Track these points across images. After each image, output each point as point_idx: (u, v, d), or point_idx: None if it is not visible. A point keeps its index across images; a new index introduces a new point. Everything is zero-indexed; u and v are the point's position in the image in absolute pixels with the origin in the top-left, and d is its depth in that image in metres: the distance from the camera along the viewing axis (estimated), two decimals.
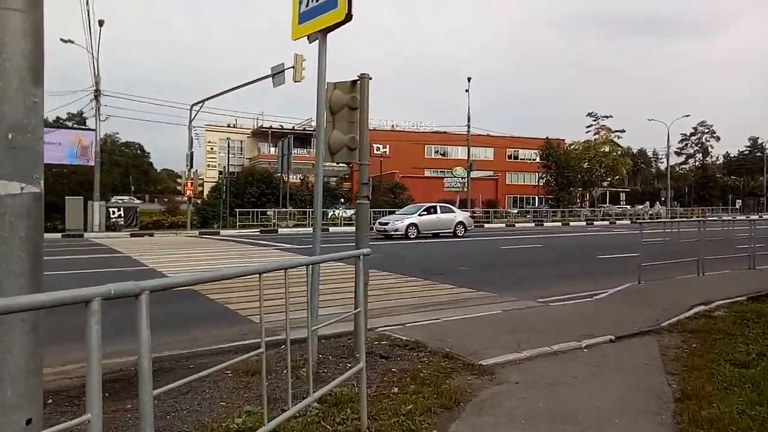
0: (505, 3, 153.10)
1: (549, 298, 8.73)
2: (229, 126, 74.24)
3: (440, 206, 24.03)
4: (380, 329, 6.34)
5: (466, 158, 42.62)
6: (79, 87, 26.56)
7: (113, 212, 34.35)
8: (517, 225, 38.81)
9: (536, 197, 61.16)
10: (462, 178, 44.15)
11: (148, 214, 33.19)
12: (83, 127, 63.06)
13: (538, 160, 57.00)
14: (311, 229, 23.70)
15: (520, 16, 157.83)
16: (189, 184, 27.97)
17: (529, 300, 8.49)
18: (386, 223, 22.85)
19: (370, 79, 5.25)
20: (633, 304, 7.87)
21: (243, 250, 17.22)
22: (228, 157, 33.90)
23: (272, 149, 69.29)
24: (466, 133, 42.27)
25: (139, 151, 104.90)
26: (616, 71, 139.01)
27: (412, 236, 22.18)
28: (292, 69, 22.14)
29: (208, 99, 27.67)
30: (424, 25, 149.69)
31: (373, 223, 23.84)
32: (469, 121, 40.12)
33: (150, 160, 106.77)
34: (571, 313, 7.31)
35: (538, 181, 56.92)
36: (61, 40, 26.68)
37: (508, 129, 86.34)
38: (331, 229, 30.14)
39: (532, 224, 40.57)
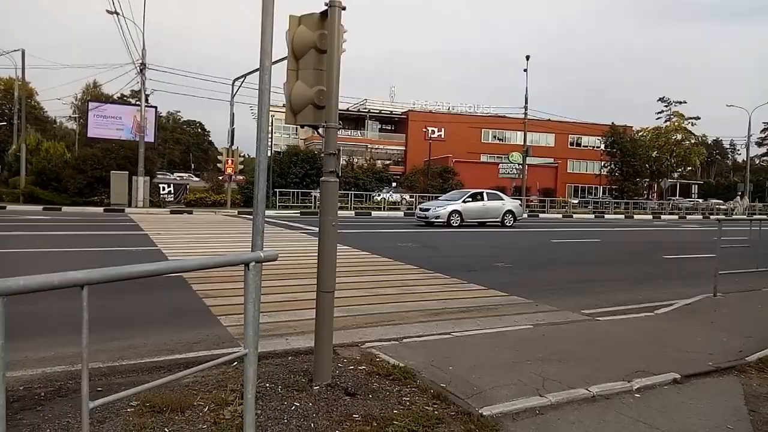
0: None
1: (597, 309, 7.07)
2: (284, 107, 74.24)
3: (487, 193, 22.20)
4: (368, 345, 4.97)
5: (523, 143, 40.19)
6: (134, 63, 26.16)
7: (163, 188, 34.57)
8: (575, 216, 36.29)
9: (599, 187, 57.67)
10: (518, 164, 41.76)
11: (196, 191, 33.06)
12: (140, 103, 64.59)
13: (602, 147, 53.47)
14: (353, 212, 22.53)
15: (587, 1, 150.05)
16: (229, 161, 27.33)
17: (571, 311, 6.87)
18: (427, 210, 21.28)
19: (344, 8, 3.81)
20: (707, 326, 6.13)
21: (268, 233, 16.18)
22: (271, 134, 33.08)
23: None
24: (524, 117, 39.79)
25: (200, 130, 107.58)
26: (691, 56, 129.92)
27: (454, 224, 20.54)
28: None
29: (249, 73, 26.81)
30: (488, 11, 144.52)
31: (415, 209, 22.45)
32: (526, 102, 37.68)
33: (210, 139, 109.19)
34: (623, 335, 5.67)
35: (600, 170, 53.47)
36: (107, 11, 26.41)
37: (572, 115, 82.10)
38: (374, 213, 28.89)
39: (592, 216, 37.89)
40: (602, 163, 52.96)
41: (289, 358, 4.55)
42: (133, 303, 6.58)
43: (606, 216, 37.84)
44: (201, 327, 5.48)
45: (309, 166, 32.06)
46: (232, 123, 28.53)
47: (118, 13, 26.98)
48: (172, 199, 32.89)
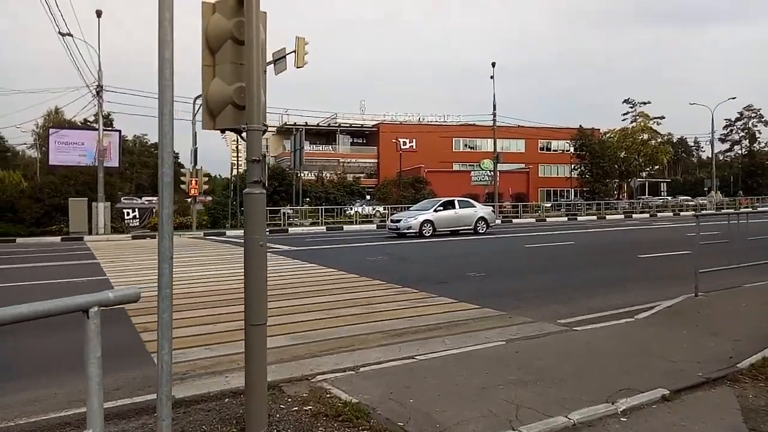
0: None
1: (574, 317, 6.59)
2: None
3: (459, 201, 21.76)
4: (320, 378, 4.36)
5: (493, 150, 40.09)
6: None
7: (128, 213, 33.41)
8: (548, 220, 36.19)
9: (570, 190, 58.03)
10: (489, 171, 41.65)
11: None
12: (106, 128, 63.01)
13: (571, 150, 53.85)
14: (324, 228, 21.80)
15: (549, 7, 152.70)
16: (193, 182, 26.45)
17: (547, 321, 6.38)
18: (398, 221, 20.73)
19: None
20: (691, 329, 5.68)
21: (228, 255, 15.45)
22: (237, 152, 32.29)
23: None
24: (492, 124, 39.71)
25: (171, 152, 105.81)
26: (651, 58, 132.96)
27: (427, 234, 20.05)
28: (293, 54, 20.29)
29: None
30: (450, 22, 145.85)
31: (387, 221, 21.94)
32: (494, 109, 37.60)
33: (180, 161, 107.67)
34: (604, 345, 5.18)
35: (571, 173, 53.81)
36: (59, 33, 25.46)
37: (541, 121, 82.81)
38: (346, 227, 28.26)
39: (565, 219, 37.86)
40: (572, 165, 53.33)
41: (226, 400, 3.92)
42: (56, 342, 5.85)
43: (579, 218, 37.86)
44: (129, 368, 4.80)
45: (277, 183, 31.30)
46: (194, 143, 27.70)
47: (71, 35, 26.05)
48: (138, 223, 31.80)
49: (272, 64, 21.91)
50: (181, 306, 7.10)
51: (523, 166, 62.11)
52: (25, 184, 33.99)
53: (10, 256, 16.53)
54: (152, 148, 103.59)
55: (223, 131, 3.50)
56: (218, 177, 77.00)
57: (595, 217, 38.25)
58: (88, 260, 14.03)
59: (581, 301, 7.64)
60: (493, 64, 35.79)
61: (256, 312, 3.31)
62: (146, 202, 56.25)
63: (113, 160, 37.53)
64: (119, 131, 48.55)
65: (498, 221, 28.77)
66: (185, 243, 20.73)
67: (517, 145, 69.54)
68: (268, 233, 20.24)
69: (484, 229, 21.46)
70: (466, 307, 7.21)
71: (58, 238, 24.88)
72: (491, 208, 24.74)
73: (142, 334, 5.95)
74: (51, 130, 36.40)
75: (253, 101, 3.25)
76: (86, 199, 27.60)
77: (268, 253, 12.54)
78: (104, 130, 47.50)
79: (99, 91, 27.29)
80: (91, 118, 79.39)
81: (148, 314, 6.87)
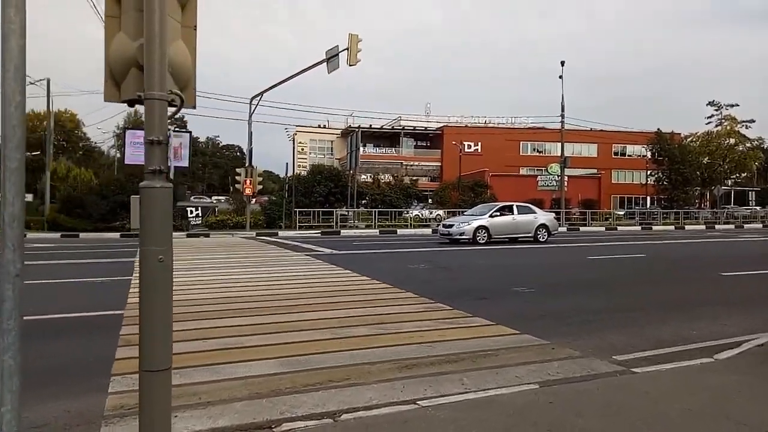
0: None
1: (635, 353, 5.30)
2: (320, 126, 74.15)
3: (518, 206, 20.26)
4: (286, 429, 3.41)
5: (561, 153, 37.91)
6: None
7: (191, 211, 34.11)
8: (619, 228, 33.72)
9: (646, 197, 54.38)
10: (557, 175, 39.48)
11: (224, 213, 32.33)
12: (180, 129, 65.62)
13: (648, 155, 50.38)
14: (377, 231, 20.96)
15: (626, 6, 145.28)
16: (247, 182, 26.35)
17: (599, 356, 5.14)
18: (450, 226, 19.51)
19: None
20: None
21: (272, 256, 14.85)
22: (293, 153, 32.16)
23: (361, 149, 67.93)
24: (561, 127, 37.53)
25: (238, 153, 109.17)
26: (738, 58, 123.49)
27: (481, 241, 18.72)
28: (346, 51, 19.60)
29: (266, 90, 25.90)
30: (524, 28, 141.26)
31: (439, 226, 20.82)
32: (563, 110, 35.46)
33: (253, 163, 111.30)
34: (672, 401, 3.93)
35: (647, 179, 50.30)
36: None
37: (616, 125, 78.50)
38: (400, 231, 27.29)
39: (639, 227, 35.19)
40: (648, 171, 49.87)
41: None
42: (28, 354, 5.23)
43: (654, 227, 35.08)
44: (71, 396, 4.04)
45: (333, 184, 30.81)
46: (250, 142, 27.67)
47: None
48: (199, 222, 32.33)
49: (325, 63, 21.38)
50: (195, 314, 6.36)
51: (594, 171, 59.07)
52: (95, 182, 35.37)
53: (61, 252, 16.74)
54: (224, 149, 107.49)
55: (131, 105, 2.59)
56: (276, 175, 78.26)
57: (672, 227, 35.35)
58: (129, 258, 13.80)
59: (646, 330, 6.29)
60: (563, 63, 33.83)
61: (154, 352, 2.39)
62: (214, 201, 57.87)
63: (183, 161, 38.72)
64: (190, 132, 50.07)
65: (562, 229, 26.94)
66: (232, 242, 20.48)
67: (589, 150, 66.48)
68: (320, 235, 19.78)
69: (545, 237, 19.88)
70: (502, 332, 6.05)
71: (117, 234, 25.44)
72: (553, 214, 22.97)
73: (123, 348, 5.22)
74: (128, 132, 37.85)
75: (153, 59, 2.34)
76: None
77: (306, 256, 11.80)
78: (175, 131, 49.18)
79: None
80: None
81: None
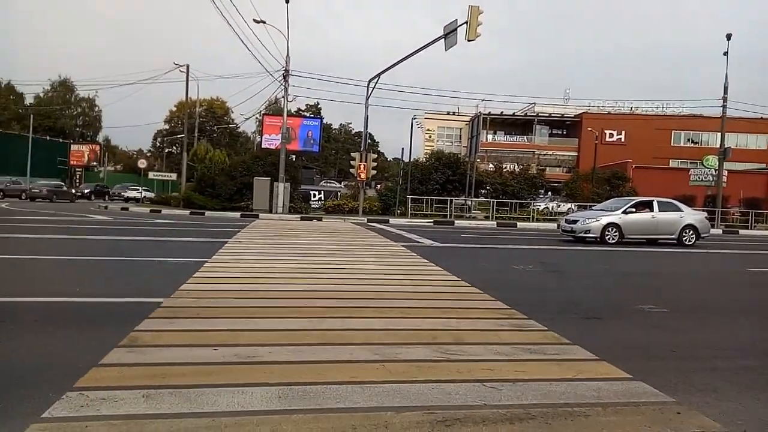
0: None
1: None
2: (448, 113, 72.69)
3: (658, 201, 17.21)
4: None
5: (720, 143, 32.72)
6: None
7: (314, 195, 34.85)
8: None
9: None
10: (714, 169, 34.26)
11: (344, 198, 32.45)
12: (312, 116, 67.98)
13: None
14: (495, 223, 19.28)
15: None
16: (362, 167, 25.75)
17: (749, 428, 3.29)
18: (574, 222, 17.07)
19: None
20: None
21: (365, 245, 13.85)
22: (411, 139, 31.12)
23: (490, 136, 65.26)
24: (722, 113, 32.26)
25: (369, 141, 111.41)
26: None
27: (611, 241, 16.15)
28: (465, 25, 17.94)
29: (383, 72, 25.03)
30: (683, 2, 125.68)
31: (561, 221, 18.44)
32: (725, 92, 30.37)
33: (380, 149, 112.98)
34: None
35: None
36: (254, 21, 26.71)
37: None
38: (521, 224, 25.07)
39: None
40: None
41: None
42: None
43: None
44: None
45: (451, 172, 29.28)
46: (366, 126, 27.05)
47: (264, 22, 27.18)
48: (320, 205, 32.81)
49: (443, 39, 19.88)
50: (237, 310, 5.48)
51: (763, 166, 51.29)
52: (228, 163, 37.29)
53: (173, 228, 17.27)
54: (356, 136, 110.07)
55: None
56: (394, 161, 77.96)
57: None
58: (225, 239, 13.61)
59: None
60: (728, 36, 28.92)
61: None
62: (342, 186, 59.19)
63: (314, 146, 39.89)
64: (321, 119, 51.40)
65: (716, 231, 22.96)
66: (337, 227, 19.92)
67: (757, 141, 58.25)
68: (432, 224, 18.57)
69: (693, 240, 16.74)
70: (607, 374, 4.32)
71: (238, 214, 26.27)
72: (705, 213, 19.39)
73: (116, 350, 4.37)
74: (266, 118, 39.66)
75: None
76: (269, 178, 28.87)
77: (402, 247, 10.44)
78: (309, 117, 51.03)
79: (286, 75, 28.11)
80: (303, 107, 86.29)
81: (168, 318, 5.42)
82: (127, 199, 44.29)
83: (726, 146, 32.08)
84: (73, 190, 45.74)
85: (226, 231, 16.15)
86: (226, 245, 12.01)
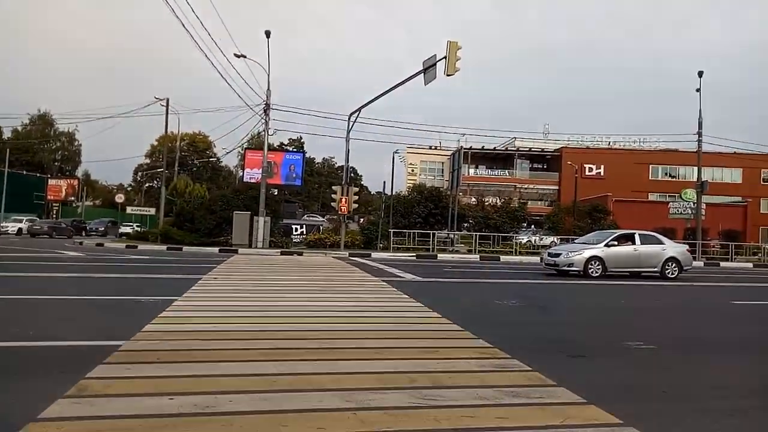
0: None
1: None
2: (430, 148, 73.25)
3: (640, 234, 17.19)
4: None
5: (697, 177, 33.20)
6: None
7: (296, 229, 34.34)
8: None
9: None
10: (692, 202, 34.69)
11: (326, 232, 32.02)
12: (295, 150, 67.89)
13: None
14: (477, 257, 19.01)
15: None
16: (343, 200, 25.54)
17: None
18: (557, 255, 16.92)
19: None
20: None
21: (345, 280, 13.49)
22: (393, 172, 31.11)
23: (472, 170, 65.73)
24: (698, 148, 32.84)
25: (352, 174, 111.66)
26: None
27: (594, 274, 16.00)
28: (444, 60, 18.09)
29: (363, 106, 25.10)
30: (658, 41, 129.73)
31: (544, 254, 18.30)
32: (700, 128, 30.98)
33: (363, 183, 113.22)
34: None
35: None
36: (235, 55, 26.74)
37: (766, 145, 68.99)
38: (504, 258, 24.90)
39: None
40: None
41: None
42: None
43: None
44: None
45: (433, 205, 29.18)
46: (347, 160, 26.97)
47: (245, 56, 27.24)
48: (301, 239, 32.30)
49: (423, 74, 20.01)
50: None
51: (739, 199, 52.23)
52: (207, 197, 36.84)
53: (146, 264, 16.73)
54: (339, 170, 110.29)
55: None
56: (376, 194, 77.97)
57: None
58: (198, 275, 13.15)
59: None
60: (700, 74, 29.66)
61: None
62: (324, 220, 58.78)
63: (297, 180, 39.72)
64: (304, 153, 51.32)
65: (698, 263, 22.98)
66: (317, 263, 19.51)
67: (732, 175, 59.42)
68: (414, 258, 18.18)
69: (676, 273, 16.66)
70: (595, 419, 4.00)
71: (216, 249, 25.71)
72: (686, 246, 19.42)
73: (59, 402, 3.95)
74: (247, 153, 39.53)
75: None
76: (249, 213, 28.45)
77: (382, 282, 9.84)
78: (291, 152, 51.10)
79: (266, 109, 28.05)
80: (286, 141, 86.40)
81: (125, 363, 4.99)
82: (121, 235, 43.94)
83: (703, 179, 32.54)
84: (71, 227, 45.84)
85: (202, 267, 15.66)
86: (199, 282, 11.56)
